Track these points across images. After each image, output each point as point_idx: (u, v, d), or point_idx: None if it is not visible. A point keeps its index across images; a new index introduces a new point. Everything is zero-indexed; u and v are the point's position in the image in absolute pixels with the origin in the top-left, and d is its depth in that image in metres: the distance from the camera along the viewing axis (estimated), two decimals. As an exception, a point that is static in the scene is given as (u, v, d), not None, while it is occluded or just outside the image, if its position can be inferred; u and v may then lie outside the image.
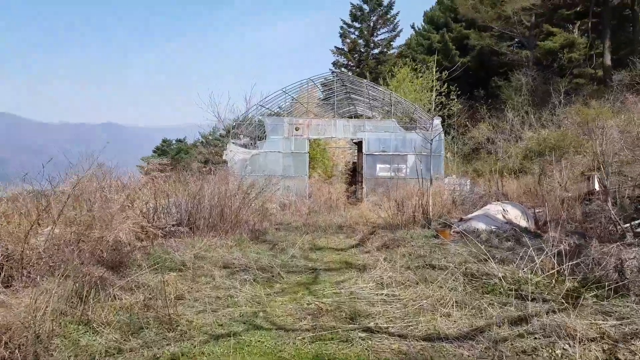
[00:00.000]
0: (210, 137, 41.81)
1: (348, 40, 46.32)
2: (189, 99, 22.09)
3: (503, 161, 27.73)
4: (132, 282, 6.17)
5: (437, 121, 20.91)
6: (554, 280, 6.21)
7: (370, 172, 20.97)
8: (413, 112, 22.40)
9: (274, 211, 16.51)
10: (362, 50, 46.22)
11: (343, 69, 45.39)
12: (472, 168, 29.26)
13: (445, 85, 24.29)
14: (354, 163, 32.86)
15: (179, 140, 48.46)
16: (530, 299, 5.51)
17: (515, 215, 10.10)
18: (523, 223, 9.91)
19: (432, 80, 25.85)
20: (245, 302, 5.93)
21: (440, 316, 5.26)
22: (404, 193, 13.18)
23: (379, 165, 21.11)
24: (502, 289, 6.08)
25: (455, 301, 5.68)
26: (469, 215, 10.44)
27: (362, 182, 22.14)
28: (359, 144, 25.78)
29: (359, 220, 13.89)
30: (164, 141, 48.36)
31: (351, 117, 27.26)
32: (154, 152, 47.56)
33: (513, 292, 5.97)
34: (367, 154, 20.99)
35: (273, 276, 7.34)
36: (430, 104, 24.71)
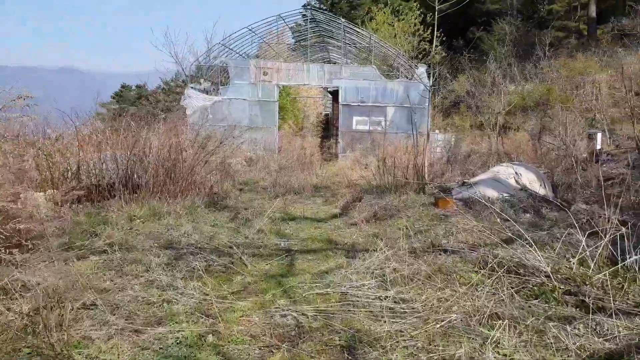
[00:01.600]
0: (172, 84, 38.57)
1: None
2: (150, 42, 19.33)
3: (484, 116, 26.19)
4: (18, 280, 4.12)
5: (422, 69, 18.89)
6: (621, 279, 4.51)
7: (347, 125, 18.95)
8: (394, 59, 20.24)
9: (239, 167, 14.42)
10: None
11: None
12: (451, 123, 27.72)
13: (429, 29, 22.09)
14: (326, 115, 30.69)
15: (138, 86, 44.95)
16: (605, 311, 3.80)
17: (529, 179, 8.43)
18: (540, 190, 8.25)
19: (415, 23, 23.66)
20: (187, 314, 3.99)
21: (484, 342, 3.47)
22: (390, 149, 11.28)
23: (355, 118, 19.09)
24: (553, 292, 4.34)
25: (496, 314, 3.91)
26: (474, 179, 8.71)
27: (337, 135, 20.14)
28: (334, 94, 23.62)
29: (338, 181, 12.00)
30: (123, 87, 44.88)
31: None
32: (112, 98, 44.15)
33: (571, 297, 4.24)
34: (343, 104, 18.88)
35: (233, 262, 5.39)
36: (413, 50, 22.58)
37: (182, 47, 34.35)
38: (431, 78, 29.41)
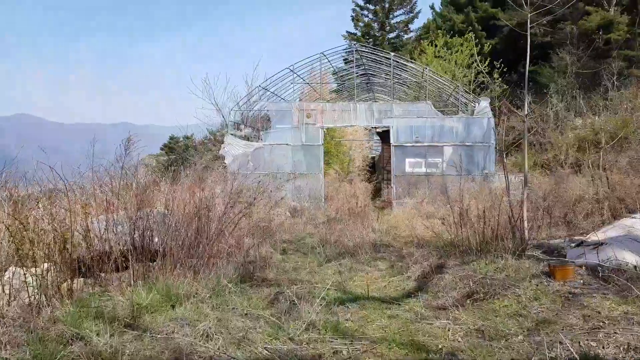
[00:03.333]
0: (217, 134, 38.07)
1: (361, 24, 42.11)
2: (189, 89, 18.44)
3: (547, 153, 23.61)
4: None
5: (485, 103, 16.80)
6: None
7: (400, 168, 16.90)
8: (451, 94, 18.27)
9: (282, 219, 12.55)
10: (377, 34, 41.97)
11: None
12: (511, 162, 25.25)
13: (487, 61, 20.11)
14: (372, 158, 28.82)
15: (186, 137, 45.01)
16: None
17: (681, 236, 6.11)
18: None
19: (472, 53, 21.67)
20: None
21: None
22: (454, 194, 9.11)
23: (408, 160, 17.04)
24: None
25: None
26: (596, 237, 6.44)
27: (388, 180, 18.11)
28: (383, 135, 21.82)
29: (401, 235, 9.88)
30: (172, 138, 45.01)
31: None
32: (162, 149, 44.31)
33: None
34: (396, 145, 16.91)
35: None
36: (469, 84, 20.59)
37: (221, 94, 33.83)
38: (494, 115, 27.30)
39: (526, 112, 7.71)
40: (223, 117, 18.52)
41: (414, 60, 24.39)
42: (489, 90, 20.82)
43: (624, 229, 6.30)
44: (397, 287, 6.41)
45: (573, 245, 6.75)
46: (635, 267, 5.57)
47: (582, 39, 32.71)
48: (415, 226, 10.53)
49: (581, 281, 5.90)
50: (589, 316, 4.84)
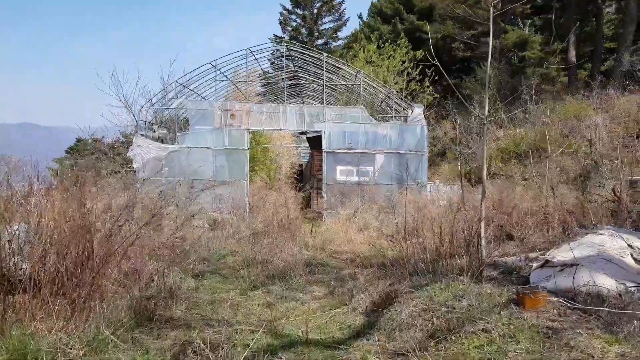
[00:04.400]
0: (131, 135, 35.09)
1: (289, 28, 41.14)
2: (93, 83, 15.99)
3: (471, 164, 23.77)
4: None
5: (419, 110, 16.20)
6: None
7: (332, 177, 15.82)
8: (383, 100, 17.54)
9: (200, 232, 10.90)
10: (305, 39, 41.11)
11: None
12: (438, 172, 25.27)
13: (419, 68, 19.69)
14: (300, 165, 27.64)
15: (95, 140, 41.15)
16: None
17: (655, 256, 5.40)
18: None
19: (404, 60, 21.17)
20: None
21: None
22: (410, 209, 8.09)
23: (340, 168, 16.00)
24: None
25: None
26: (564, 256, 5.59)
27: (319, 189, 16.97)
28: (312, 141, 20.72)
29: (338, 251, 8.68)
30: (79, 140, 40.98)
31: (300, 108, 21.92)
32: (67, 152, 40.27)
33: None
34: (328, 152, 15.80)
35: None
36: (401, 91, 20.06)
37: (132, 90, 30.97)
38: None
39: (486, 113, 6.82)
40: (133, 115, 16.39)
41: (353, 56, 23.59)
42: (419, 99, 20.45)
43: (592, 247, 5.52)
44: (342, 324, 5.12)
45: (536, 265, 5.89)
46: (620, 294, 4.73)
47: (503, 54, 34.02)
48: (352, 239, 9.38)
49: (555, 311, 4.97)
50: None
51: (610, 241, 5.61)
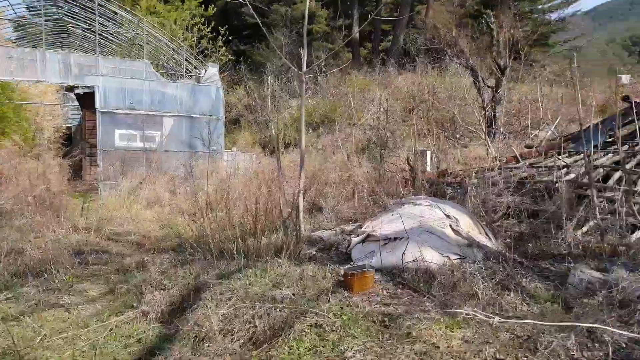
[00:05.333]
0: None
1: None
2: None
3: (267, 132, 23.67)
4: None
5: (214, 69, 14.78)
6: None
7: (110, 142, 13.36)
8: (172, 55, 15.54)
9: None
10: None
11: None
12: (233, 140, 24.43)
13: (211, 25, 18.09)
14: (68, 129, 23.35)
15: None
16: None
17: (466, 225, 5.36)
18: (482, 239, 5.26)
19: (194, 14, 19.10)
20: None
21: None
22: (215, 178, 6.87)
23: (119, 132, 13.66)
24: None
25: None
26: (386, 229, 5.16)
27: (93, 156, 14.26)
28: (84, 98, 17.31)
29: (121, 233, 6.95)
30: None
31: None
32: None
33: None
34: (103, 112, 13.21)
35: None
36: (192, 49, 18.14)
37: None
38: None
39: (304, 69, 5.96)
40: None
41: (134, 3, 20.35)
42: (213, 59, 18.94)
43: (413, 218, 5.26)
44: (129, 339, 3.69)
45: (356, 240, 5.39)
46: (453, 270, 4.45)
47: (295, 24, 34.51)
48: (138, 217, 7.71)
49: (385, 292, 4.49)
50: (426, 354, 3.35)
51: (429, 212, 5.42)
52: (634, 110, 6.79)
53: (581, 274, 4.03)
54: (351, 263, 5.10)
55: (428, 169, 11.63)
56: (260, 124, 24.22)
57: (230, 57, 20.55)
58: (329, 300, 4.18)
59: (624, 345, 3.24)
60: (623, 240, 4.79)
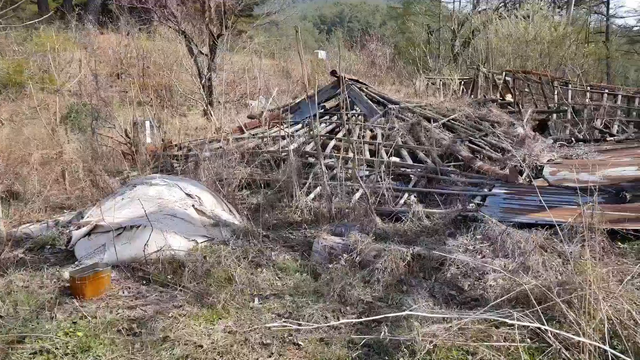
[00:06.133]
0: None
1: None
2: None
3: None
4: None
5: None
6: None
7: None
8: None
9: None
10: None
11: None
12: None
13: None
14: None
15: None
16: None
17: (209, 202, 4.95)
18: (227, 216, 4.99)
19: None
20: None
21: None
22: None
23: None
24: None
25: None
26: (118, 216, 4.29)
27: None
28: None
29: None
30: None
31: None
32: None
33: None
34: None
35: None
36: None
37: None
38: None
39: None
40: None
41: None
42: None
43: (151, 201, 4.55)
44: None
45: (79, 233, 4.40)
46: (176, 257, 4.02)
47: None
48: None
49: (127, 293, 3.79)
50: (189, 357, 2.96)
51: (168, 192, 4.84)
52: (341, 83, 7.66)
53: (323, 240, 4.29)
54: (76, 263, 4.17)
55: (148, 140, 10.76)
56: None
57: None
58: (54, 316, 3.28)
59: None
60: (348, 204, 5.35)
